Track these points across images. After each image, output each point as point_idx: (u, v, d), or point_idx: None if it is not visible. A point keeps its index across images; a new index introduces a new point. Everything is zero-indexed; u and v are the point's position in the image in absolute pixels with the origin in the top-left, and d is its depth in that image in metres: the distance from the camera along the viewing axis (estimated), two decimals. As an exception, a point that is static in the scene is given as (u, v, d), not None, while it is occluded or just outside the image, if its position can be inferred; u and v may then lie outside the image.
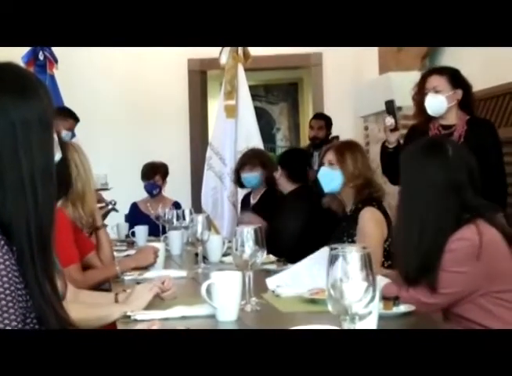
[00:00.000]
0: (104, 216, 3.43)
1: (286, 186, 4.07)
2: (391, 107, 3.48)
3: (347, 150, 3.06)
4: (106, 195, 4.27)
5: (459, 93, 3.20)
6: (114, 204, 3.83)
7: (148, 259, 2.82)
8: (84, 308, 1.96)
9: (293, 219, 3.77)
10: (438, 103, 3.21)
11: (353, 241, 2.91)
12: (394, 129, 3.42)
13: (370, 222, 2.90)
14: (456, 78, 3.22)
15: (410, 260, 2.09)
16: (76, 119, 4.94)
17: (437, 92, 3.20)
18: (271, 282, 2.29)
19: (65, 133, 4.62)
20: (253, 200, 4.58)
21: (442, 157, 2.13)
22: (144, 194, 4.99)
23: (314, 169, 4.29)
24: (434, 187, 2.09)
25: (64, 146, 2.53)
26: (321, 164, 3.10)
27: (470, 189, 2.11)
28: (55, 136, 1.30)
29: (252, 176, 4.41)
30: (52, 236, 1.25)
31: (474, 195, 2.12)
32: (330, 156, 3.04)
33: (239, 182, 4.55)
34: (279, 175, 4.06)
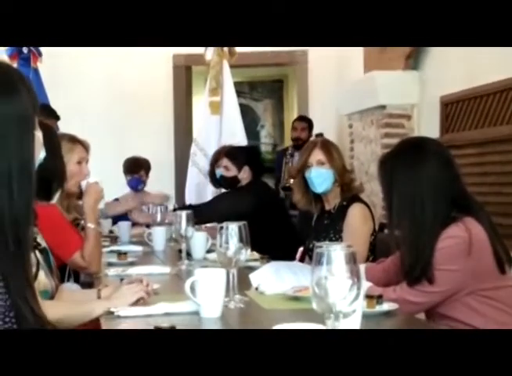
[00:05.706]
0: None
1: (246, 182, 3.91)
2: None
3: (332, 147, 3.06)
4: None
5: None
6: None
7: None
8: (68, 304, 1.95)
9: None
10: None
11: (340, 237, 2.93)
12: None
13: (360, 218, 2.96)
14: None
15: (408, 258, 2.10)
16: (57, 117, 4.90)
17: None
18: (254, 277, 2.29)
19: None
20: None
21: (431, 153, 2.14)
22: (125, 190, 4.95)
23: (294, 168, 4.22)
24: (429, 184, 2.08)
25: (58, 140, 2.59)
26: (305, 166, 3.01)
27: (460, 183, 2.13)
28: (39, 134, 1.27)
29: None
30: (29, 234, 1.23)
31: (463, 189, 2.14)
32: (319, 155, 3.00)
33: (215, 180, 4.10)
34: (247, 174, 3.87)
